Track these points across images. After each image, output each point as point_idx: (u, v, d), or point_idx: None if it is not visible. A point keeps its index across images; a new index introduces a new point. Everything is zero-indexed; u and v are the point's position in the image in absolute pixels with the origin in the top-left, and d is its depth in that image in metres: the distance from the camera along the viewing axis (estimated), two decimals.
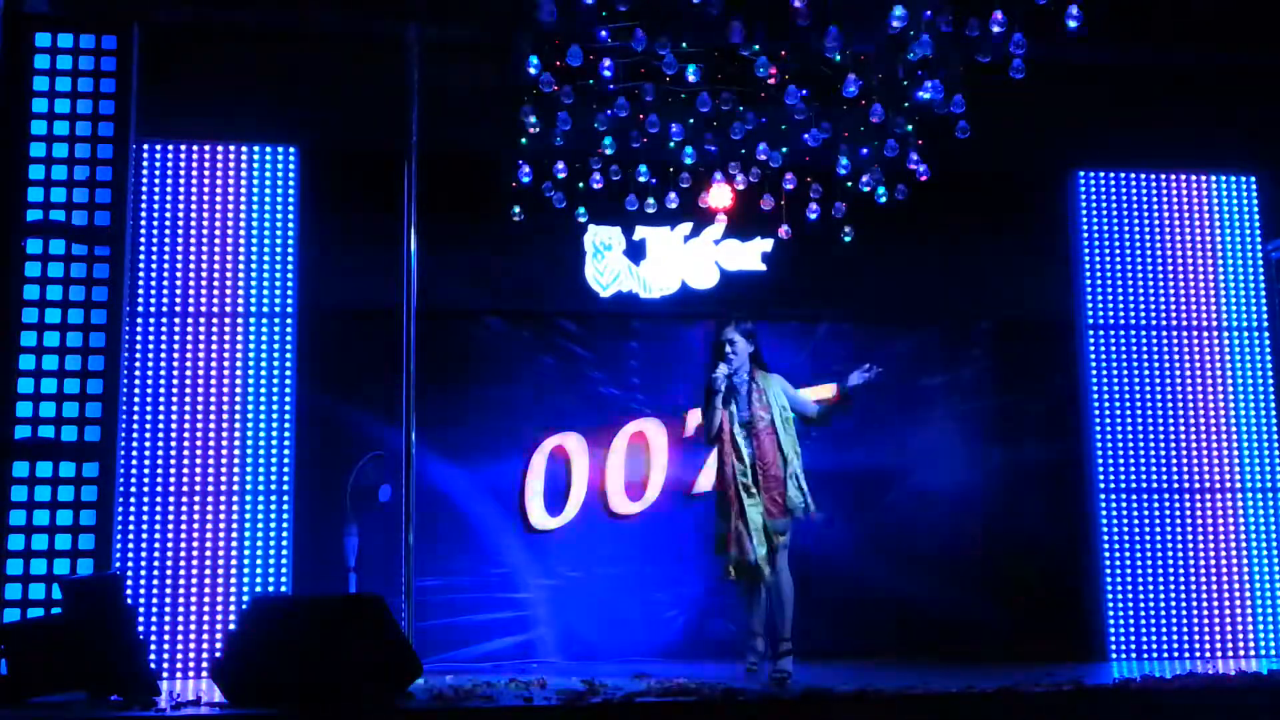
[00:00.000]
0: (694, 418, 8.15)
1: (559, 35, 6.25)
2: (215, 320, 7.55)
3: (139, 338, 7.44)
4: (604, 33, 6.30)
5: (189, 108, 7.58)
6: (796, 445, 6.81)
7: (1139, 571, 8.13)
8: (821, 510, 6.87)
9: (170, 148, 7.63)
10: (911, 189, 7.05)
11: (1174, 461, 8.28)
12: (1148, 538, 8.18)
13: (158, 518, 7.33)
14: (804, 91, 6.50)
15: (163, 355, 7.48)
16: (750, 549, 6.62)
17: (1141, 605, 8.10)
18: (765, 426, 6.75)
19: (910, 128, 6.86)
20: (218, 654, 6.64)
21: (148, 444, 7.39)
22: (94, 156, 7.09)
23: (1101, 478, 8.21)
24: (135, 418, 7.36)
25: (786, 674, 6.50)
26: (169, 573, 7.30)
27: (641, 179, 7.25)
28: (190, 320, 7.53)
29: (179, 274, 7.56)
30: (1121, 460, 8.24)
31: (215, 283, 7.57)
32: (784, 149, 7.03)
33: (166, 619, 7.25)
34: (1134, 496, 8.22)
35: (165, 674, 7.07)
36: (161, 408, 7.43)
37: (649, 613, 8.06)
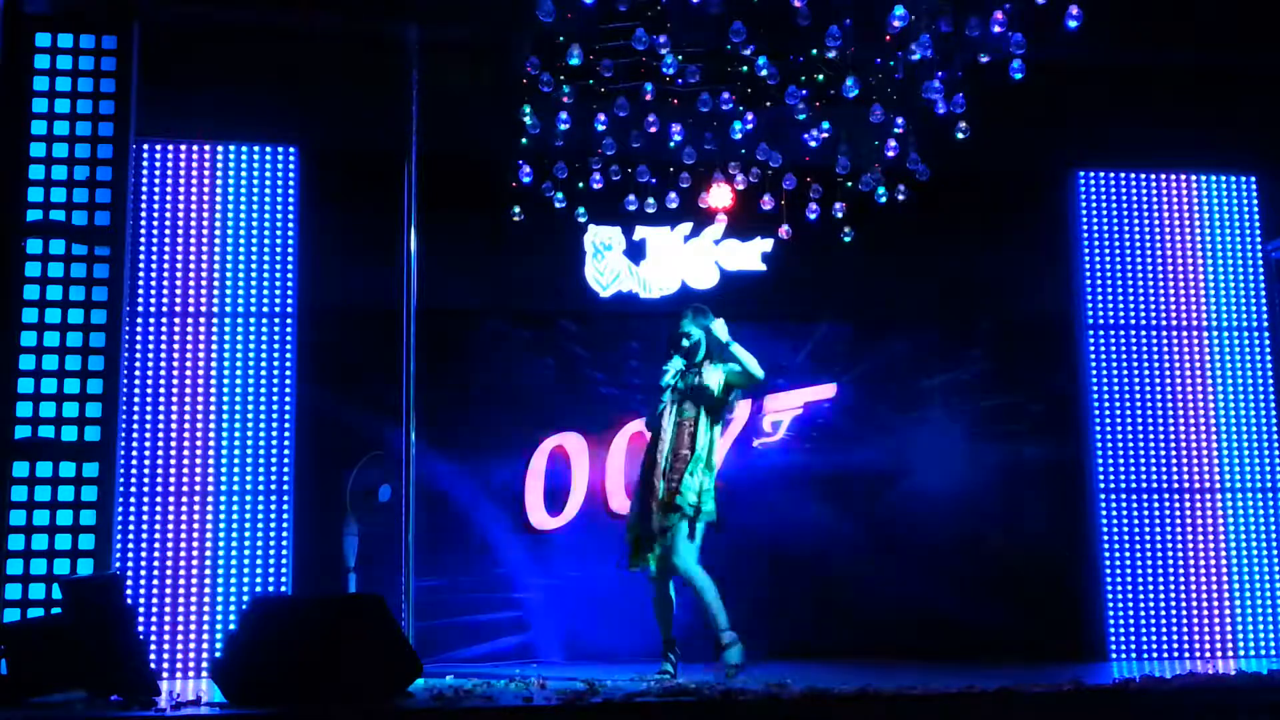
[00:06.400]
0: None
1: (559, 35, 6.24)
2: (215, 320, 7.55)
3: (139, 338, 7.44)
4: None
5: (189, 108, 7.58)
6: (712, 443, 6.68)
7: (1139, 571, 8.14)
8: (721, 527, 6.67)
9: (170, 148, 7.63)
10: (911, 189, 7.05)
11: (1174, 461, 8.28)
12: (1147, 538, 8.18)
13: (158, 518, 7.33)
14: (804, 92, 6.49)
15: (163, 355, 7.48)
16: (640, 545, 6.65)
17: (1141, 605, 8.10)
18: (691, 418, 6.71)
19: (910, 127, 6.84)
20: (218, 654, 6.65)
21: (148, 444, 7.39)
22: (94, 156, 7.09)
23: (1101, 478, 8.22)
24: (135, 418, 7.36)
25: (732, 667, 6.43)
26: (169, 573, 7.30)
27: (642, 179, 7.24)
28: (190, 320, 7.53)
29: (179, 274, 7.56)
30: (1121, 460, 8.25)
31: (215, 283, 7.57)
32: (781, 150, 7.02)
33: (166, 619, 7.25)
34: (1134, 496, 8.22)
35: (165, 674, 7.07)
36: (161, 408, 7.43)
37: (649, 613, 8.04)
